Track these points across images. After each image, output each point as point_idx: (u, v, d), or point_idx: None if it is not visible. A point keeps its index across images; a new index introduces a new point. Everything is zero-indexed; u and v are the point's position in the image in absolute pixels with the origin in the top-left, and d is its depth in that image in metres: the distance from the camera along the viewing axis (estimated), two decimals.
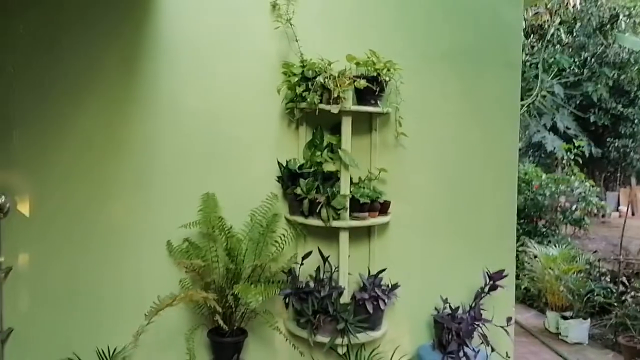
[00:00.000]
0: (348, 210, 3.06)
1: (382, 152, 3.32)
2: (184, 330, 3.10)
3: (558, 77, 9.67)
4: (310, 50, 3.11)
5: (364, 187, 3.17)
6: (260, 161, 3.23)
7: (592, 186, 8.19)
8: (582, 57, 10.89)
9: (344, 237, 3.11)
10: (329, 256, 3.16)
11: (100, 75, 3.07)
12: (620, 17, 10.41)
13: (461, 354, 3.08)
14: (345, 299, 3.12)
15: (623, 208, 14.96)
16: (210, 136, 3.18)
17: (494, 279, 3.21)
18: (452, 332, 3.11)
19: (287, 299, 3.11)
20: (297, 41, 3.13)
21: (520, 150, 10.56)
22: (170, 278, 3.12)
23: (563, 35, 10.42)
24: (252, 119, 3.22)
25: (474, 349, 3.14)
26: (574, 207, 7.90)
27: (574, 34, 10.96)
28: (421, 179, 3.41)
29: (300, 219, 3.13)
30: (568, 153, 8.85)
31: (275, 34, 3.17)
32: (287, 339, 3.16)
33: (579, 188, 7.89)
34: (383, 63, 3.07)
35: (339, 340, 3.04)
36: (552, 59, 9.64)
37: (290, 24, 3.13)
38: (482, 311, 3.20)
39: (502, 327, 3.21)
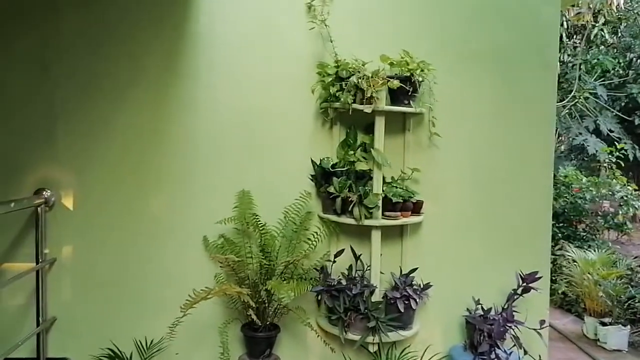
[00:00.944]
0: (380, 209, 3.08)
1: (415, 152, 3.33)
2: (218, 324, 3.18)
3: (601, 79, 9.43)
4: (344, 51, 3.15)
5: (396, 187, 3.18)
6: (295, 160, 3.28)
7: (635, 190, 7.95)
8: (627, 58, 10.58)
9: (376, 235, 3.13)
10: (361, 254, 3.19)
11: (142, 73, 3.19)
12: None
13: (493, 355, 3.06)
14: (376, 297, 3.14)
15: None
16: (246, 134, 3.25)
17: (527, 280, 3.18)
18: (483, 333, 3.09)
19: (319, 296, 3.15)
20: (331, 42, 3.17)
21: (561, 153, 10.39)
22: (206, 273, 3.21)
23: (607, 36, 10.15)
24: (287, 118, 3.28)
25: (505, 351, 3.12)
26: (615, 211, 7.69)
27: (619, 34, 10.66)
28: (454, 179, 3.40)
29: (333, 217, 3.16)
30: (610, 156, 8.62)
31: (310, 34, 3.21)
32: (318, 336, 3.21)
33: (621, 192, 7.67)
34: (416, 63, 3.09)
35: (370, 338, 3.06)
36: (596, 60, 9.41)
37: (325, 25, 3.18)
38: (514, 313, 3.17)
39: (535, 329, 3.17)
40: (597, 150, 9.25)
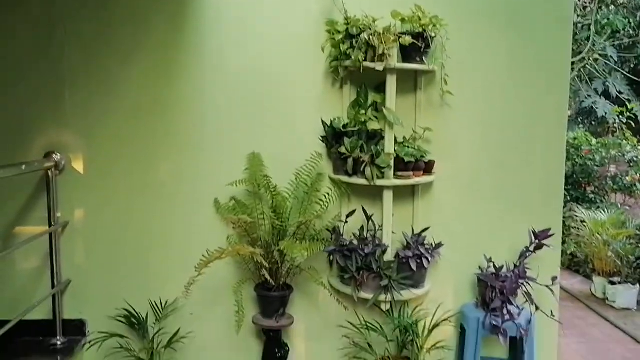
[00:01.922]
0: (392, 169, 3.06)
1: (427, 111, 3.28)
2: (232, 284, 3.19)
3: (612, 39, 9.26)
4: (354, 7, 3.07)
5: (408, 146, 3.15)
6: (305, 120, 3.25)
7: None
8: (638, 18, 10.37)
9: (388, 195, 3.12)
10: (372, 215, 3.18)
11: (147, 36, 3.15)
12: None
13: (505, 311, 3.07)
14: (389, 256, 3.14)
15: None
16: (255, 96, 3.21)
17: (540, 237, 3.17)
18: (495, 290, 3.10)
19: (331, 256, 3.16)
20: None
21: (569, 117, 10.28)
22: (218, 234, 3.22)
23: None
24: (297, 78, 3.24)
25: (518, 307, 3.13)
26: (624, 174, 7.65)
27: None
28: (467, 138, 3.36)
29: (344, 178, 3.15)
30: (620, 117, 8.53)
31: None
32: (331, 294, 3.23)
33: (631, 152, 7.62)
34: (429, 19, 3.01)
35: (382, 297, 3.08)
36: (606, 20, 9.22)
37: None
38: (527, 270, 3.18)
39: (547, 286, 3.18)
40: (606, 113, 9.14)
